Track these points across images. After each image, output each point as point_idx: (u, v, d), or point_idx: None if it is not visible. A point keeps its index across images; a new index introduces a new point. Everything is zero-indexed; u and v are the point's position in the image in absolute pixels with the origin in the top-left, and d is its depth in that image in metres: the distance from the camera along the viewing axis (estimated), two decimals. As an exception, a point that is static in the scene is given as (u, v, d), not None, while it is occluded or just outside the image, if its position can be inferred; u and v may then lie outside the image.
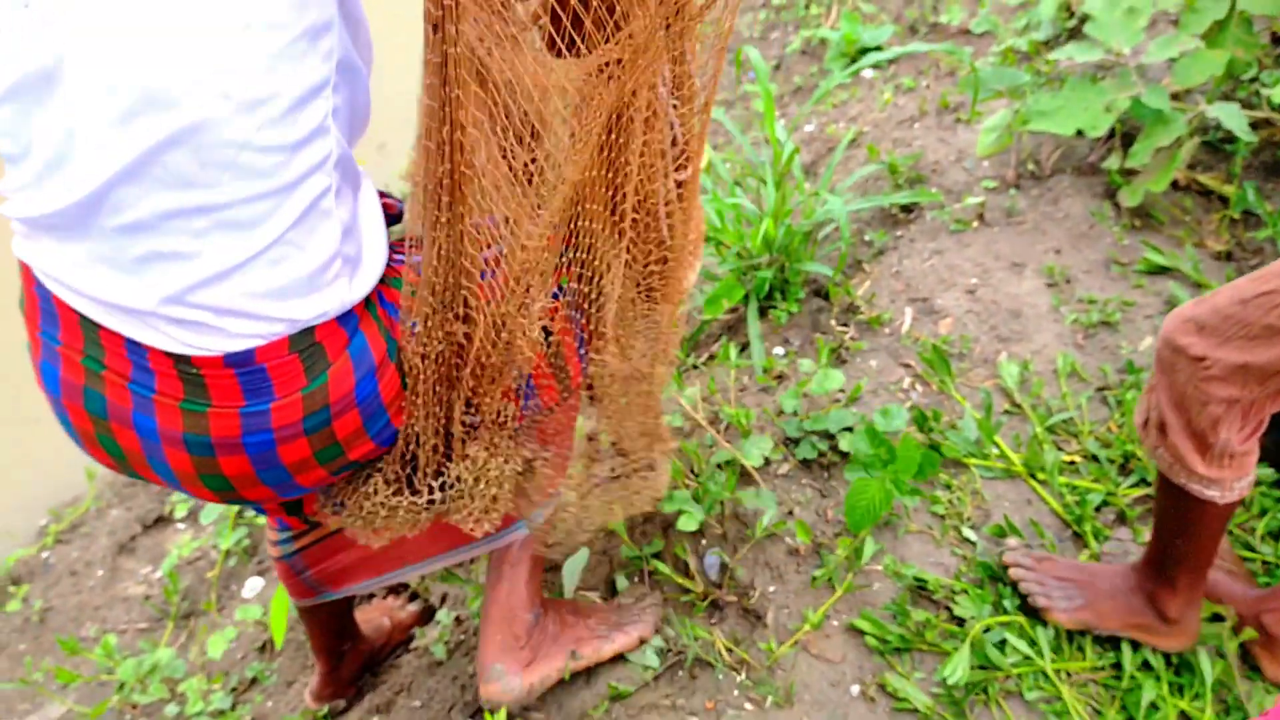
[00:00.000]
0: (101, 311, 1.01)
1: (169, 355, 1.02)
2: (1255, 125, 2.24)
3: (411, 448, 1.22)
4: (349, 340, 1.08)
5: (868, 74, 3.14)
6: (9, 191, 1.00)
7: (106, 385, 1.05)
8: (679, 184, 1.29)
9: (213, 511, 2.34)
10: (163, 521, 2.52)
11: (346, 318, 1.08)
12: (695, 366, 2.19)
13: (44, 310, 1.06)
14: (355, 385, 1.10)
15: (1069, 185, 2.30)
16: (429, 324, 1.12)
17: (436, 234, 1.06)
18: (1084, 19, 2.50)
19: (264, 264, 0.99)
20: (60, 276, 1.01)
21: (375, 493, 1.24)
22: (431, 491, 1.25)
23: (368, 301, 1.10)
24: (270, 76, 0.92)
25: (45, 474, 2.71)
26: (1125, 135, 2.29)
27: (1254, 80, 2.36)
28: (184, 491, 1.15)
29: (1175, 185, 2.28)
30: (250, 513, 2.33)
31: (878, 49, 3.10)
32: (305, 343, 1.05)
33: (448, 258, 1.08)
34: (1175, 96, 2.23)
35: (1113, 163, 2.25)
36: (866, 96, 2.92)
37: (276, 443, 1.08)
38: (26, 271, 1.05)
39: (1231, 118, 2.04)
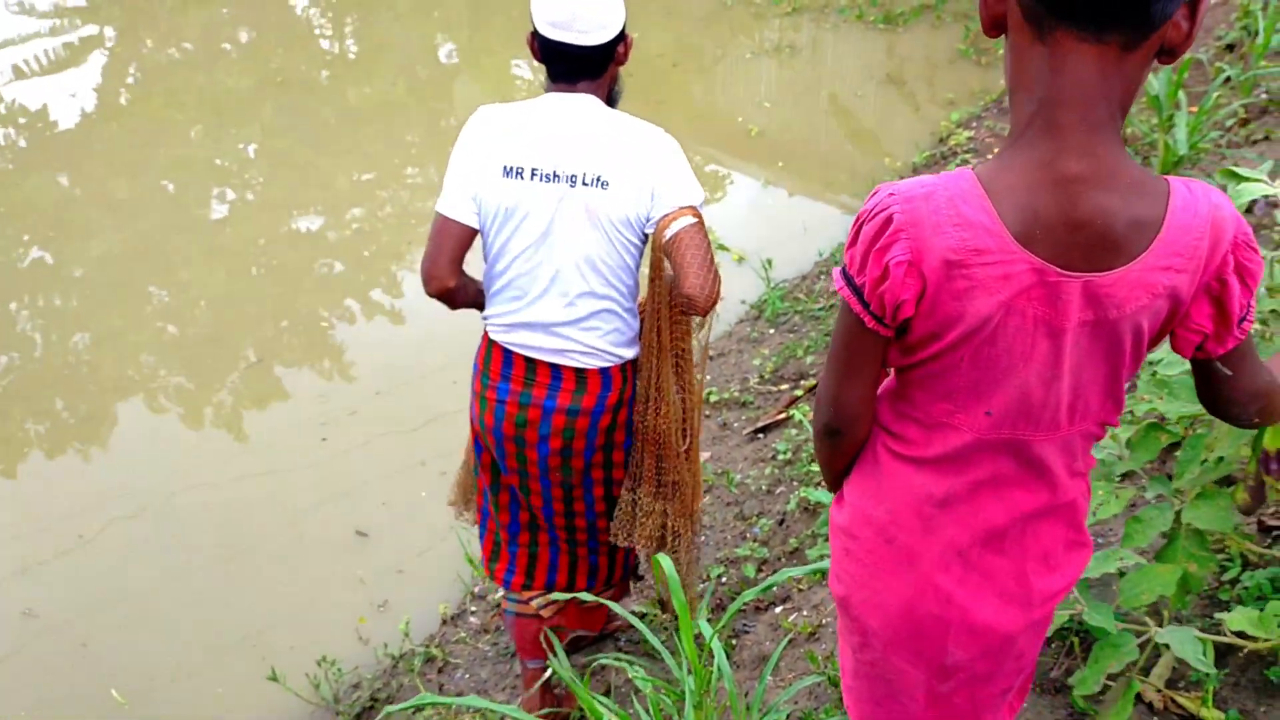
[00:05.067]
0: (543, 354, 2.36)
1: (574, 370, 2.37)
2: (1229, 647, 1.99)
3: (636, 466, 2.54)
4: (634, 373, 2.44)
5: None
6: (501, 312, 2.38)
7: (534, 388, 2.38)
8: (687, 450, 2.57)
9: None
10: None
11: (634, 363, 2.44)
12: None
13: (504, 362, 2.40)
14: (632, 394, 2.45)
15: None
16: (650, 394, 2.44)
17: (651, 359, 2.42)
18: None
19: (621, 333, 2.37)
20: (523, 344, 2.36)
21: (628, 493, 2.56)
22: (631, 491, 2.56)
23: None
24: (632, 265, 2.35)
25: None
26: (1086, 648, 2.06)
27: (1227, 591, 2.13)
28: (542, 449, 2.42)
29: (1150, 708, 2.01)
30: None
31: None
32: (627, 368, 2.42)
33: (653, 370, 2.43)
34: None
35: (1077, 681, 2.00)
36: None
37: (603, 412, 2.40)
38: (497, 347, 2.40)
39: (1186, 644, 1.80)
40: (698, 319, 2.47)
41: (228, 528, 3.83)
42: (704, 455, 4.07)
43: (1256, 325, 1.80)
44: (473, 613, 3.49)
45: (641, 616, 3.17)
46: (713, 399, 4.35)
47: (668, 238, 2.23)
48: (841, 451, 1.46)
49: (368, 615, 3.52)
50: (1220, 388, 1.34)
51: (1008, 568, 1.39)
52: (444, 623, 3.48)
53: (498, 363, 2.42)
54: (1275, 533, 2.35)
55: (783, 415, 4.13)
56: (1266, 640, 1.90)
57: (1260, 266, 1.22)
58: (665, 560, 2.07)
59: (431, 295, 2.37)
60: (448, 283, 2.32)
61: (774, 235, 5.56)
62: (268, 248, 5.72)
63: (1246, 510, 1.92)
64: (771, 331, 4.79)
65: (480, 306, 2.47)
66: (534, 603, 2.70)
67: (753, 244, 5.46)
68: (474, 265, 2.37)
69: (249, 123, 6.97)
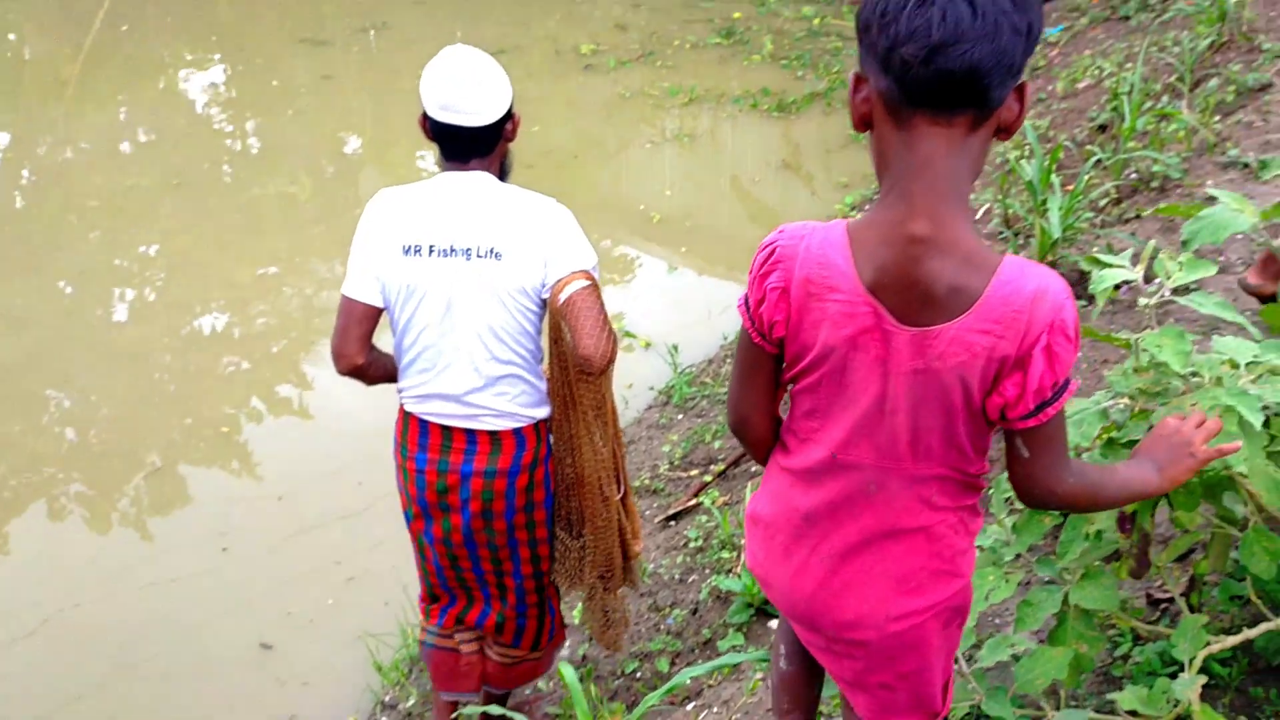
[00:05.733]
0: (456, 421, 2.47)
1: (488, 433, 2.48)
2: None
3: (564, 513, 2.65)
4: (548, 432, 2.56)
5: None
6: (413, 384, 2.48)
7: (451, 454, 2.49)
8: (621, 498, 2.68)
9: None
10: None
11: (547, 422, 2.55)
12: None
13: (420, 430, 2.50)
14: (547, 453, 2.56)
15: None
16: (557, 450, 2.57)
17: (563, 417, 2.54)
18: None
19: (529, 395, 2.49)
20: (436, 413, 2.47)
21: (560, 539, 2.66)
22: (578, 539, 2.64)
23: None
24: (533, 331, 2.48)
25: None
26: (986, 733, 2.08)
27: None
28: (464, 513, 2.52)
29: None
30: None
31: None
32: (541, 427, 2.53)
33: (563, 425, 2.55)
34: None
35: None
36: (743, 676, 2.76)
37: (519, 471, 2.50)
38: (413, 418, 2.51)
39: (1078, 730, 1.84)
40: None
41: (126, 645, 3.70)
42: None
43: (1125, 401, 1.87)
44: (383, 723, 3.41)
45: (555, 718, 3.13)
46: (624, 488, 4.35)
47: (561, 302, 2.34)
48: (747, 445, 1.71)
49: (274, 731, 3.42)
50: (1019, 469, 1.49)
51: (865, 581, 1.58)
52: (354, 735, 3.39)
53: (414, 433, 2.52)
54: (1163, 606, 2.42)
55: (694, 501, 4.15)
56: (1156, 717, 1.94)
57: (1069, 354, 1.36)
58: (568, 671, 2.08)
59: (342, 374, 2.49)
60: (356, 360, 2.45)
61: (680, 320, 5.64)
62: (170, 348, 5.62)
63: (1135, 575, 1.99)
64: (680, 417, 4.83)
65: (394, 379, 2.55)
66: (456, 636, 2.78)
67: (659, 329, 5.52)
68: (385, 340, 2.37)
69: (149, 223, 6.88)
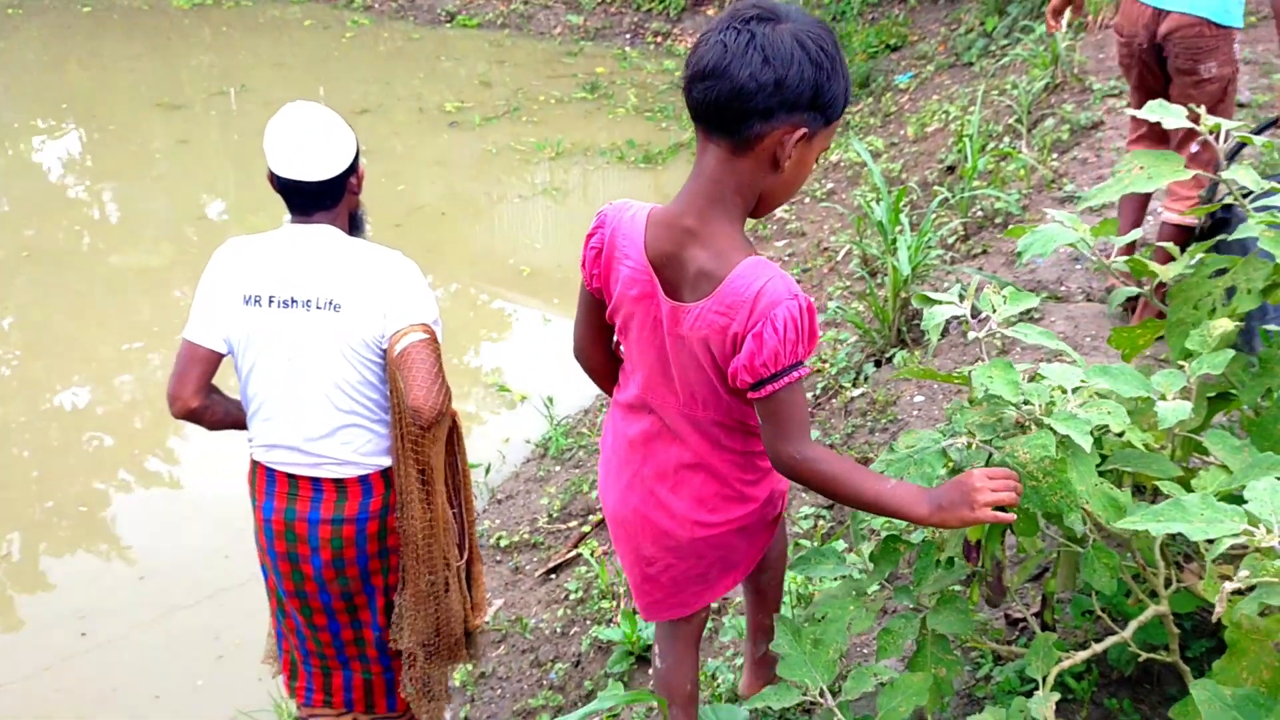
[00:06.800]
0: (301, 469, 2.48)
1: (332, 481, 2.49)
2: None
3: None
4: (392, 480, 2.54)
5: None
6: (258, 433, 2.51)
7: (297, 502, 2.49)
8: (468, 564, 2.71)
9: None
10: None
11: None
12: None
13: (267, 479, 2.52)
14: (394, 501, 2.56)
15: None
16: (400, 500, 2.53)
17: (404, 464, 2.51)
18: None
19: (374, 443, 2.50)
20: (281, 461, 2.49)
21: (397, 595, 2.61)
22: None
23: None
24: (376, 381, 2.47)
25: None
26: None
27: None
28: (315, 561, 2.51)
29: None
30: None
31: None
32: (384, 475, 2.53)
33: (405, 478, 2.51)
34: None
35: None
36: (621, 723, 2.75)
37: (368, 519, 2.51)
38: (261, 467, 2.52)
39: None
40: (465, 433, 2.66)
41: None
42: (497, 603, 4.02)
43: (964, 439, 1.94)
44: (260, 804, 3.30)
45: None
46: (503, 543, 4.32)
47: (397, 353, 2.39)
48: (588, 372, 2.02)
49: (143, 823, 3.27)
50: (761, 432, 1.73)
51: (673, 499, 1.91)
52: (229, 819, 3.26)
53: (262, 481, 2.54)
54: (1021, 625, 2.51)
55: (573, 553, 4.13)
56: (1014, 737, 2.00)
57: (776, 345, 1.59)
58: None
59: (177, 417, 2.50)
60: (190, 404, 2.47)
61: (555, 372, 5.64)
62: (29, 427, 5.39)
63: (991, 603, 2.05)
64: (557, 469, 4.82)
65: (241, 425, 2.57)
66: None
67: (534, 382, 5.52)
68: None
69: (2, 298, 6.62)
